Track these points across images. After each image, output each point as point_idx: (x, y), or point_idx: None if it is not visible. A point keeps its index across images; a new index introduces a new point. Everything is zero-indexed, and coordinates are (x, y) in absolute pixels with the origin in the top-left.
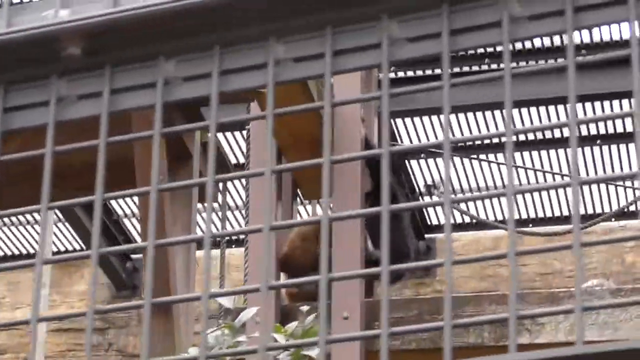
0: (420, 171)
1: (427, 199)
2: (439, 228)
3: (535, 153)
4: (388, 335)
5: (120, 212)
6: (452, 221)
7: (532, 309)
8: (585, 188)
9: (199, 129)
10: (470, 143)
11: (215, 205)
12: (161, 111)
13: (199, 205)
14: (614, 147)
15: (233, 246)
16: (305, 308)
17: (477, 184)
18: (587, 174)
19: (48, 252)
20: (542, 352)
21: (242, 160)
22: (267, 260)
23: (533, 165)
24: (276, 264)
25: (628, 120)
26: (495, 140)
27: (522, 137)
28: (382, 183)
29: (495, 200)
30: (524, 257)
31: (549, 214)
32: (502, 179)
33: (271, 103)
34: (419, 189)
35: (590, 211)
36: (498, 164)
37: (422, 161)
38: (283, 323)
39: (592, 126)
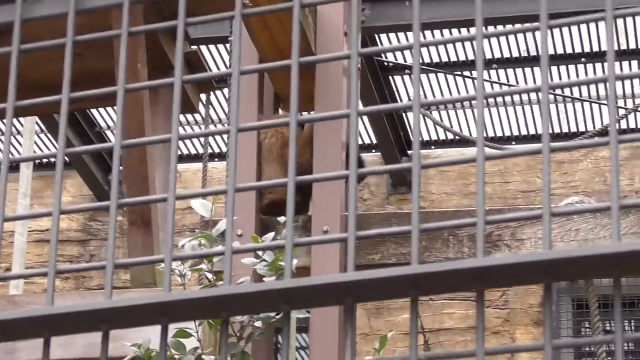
0: (405, 89)
1: (410, 115)
2: (424, 145)
3: (511, 72)
4: (355, 239)
5: (103, 124)
6: (428, 133)
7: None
8: (570, 109)
9: (167, 28)
10: (449, 60)
11: (199, 119)
12: (129, 9)
13: (183, 119)
14: (597, 65)
15: (216, 160)
16: (283, 219)
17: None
18: (571, 93)
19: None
20: (505, 256)
21: None
22: (233, 162)
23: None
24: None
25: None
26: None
27: (497, 54)
28: (350, 86)
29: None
30: (508, 175)
31: (532, 132)
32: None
33: (239, 5)
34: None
35: (573, 130)
36: (473, 78)
37: (407, 78)
38: (263, 235)
39: (577, 43)
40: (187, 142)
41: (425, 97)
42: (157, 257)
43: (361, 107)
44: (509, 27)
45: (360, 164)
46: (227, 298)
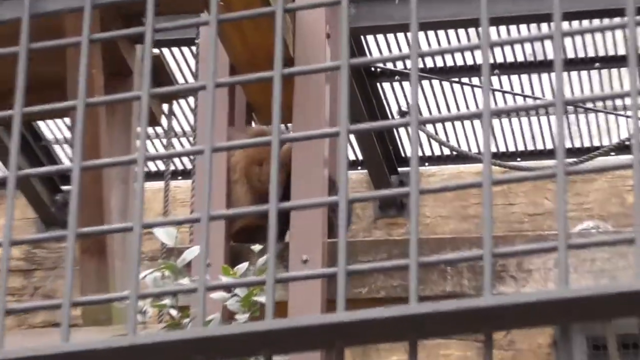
0: (394, 96)
1: (401, 129)
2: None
3: (515, 78)
4: (346, 274)
5: (49, 135)
6: (424, 150)
7: (514, 248)
8: (582, 120)
9: (133, 34)
10: (445, 65)
11: (160, 131)
12: (91, 14)
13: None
14: (613, 71)
15: (179, 178)
16: (257, 248)
17: (458, 111)
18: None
19: None
20: (513, 295)
21: (191, 80)
22: (208, 186)
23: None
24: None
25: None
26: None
27: (500, 59)
28: (341, 99)
29: (479, 130)
30: (512, 195)
31: (540, 147)
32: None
33: (214, 10)
34: (393, 116)
35: (587, 144)
36: (478, 87)
37: (396, 85)
38: (234, 266)
39: (590, 47)
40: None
41: (420, 111)
42: (120, 295)
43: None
44: (516, 34)
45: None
46: (200, 341)
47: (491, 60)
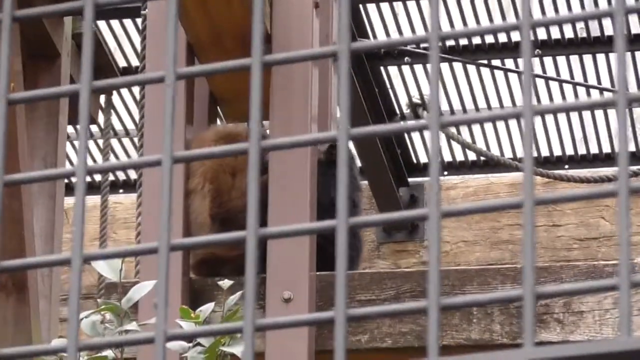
0: (404, 84)
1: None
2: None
3: (573, 59)
4: (345, 320)
5: None
6: (443, 156)
7: (564, 287)
8: None
9: (71, 10)
10: (470, 44)
11: (95, 130)
12: None
13: (71, 130)
14: None
15: (120, 191)
16: (226, 283)
17: (487, 102)
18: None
19: None
20: (561, 347)
21: (136, 64)
22: (167, 206)
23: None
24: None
25: None
26: (507, 39)
27: (544, 35)
28: (340, 96)
29: (514, 130)
30: (558, 215)
31: (594, 151)
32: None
33: None
34: (401, 109)
35: None
36: (513, 71)
37: (406, 68)
38: (194, 306)
39: None
40: (75, 161)
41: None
42: (54, 346)
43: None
44: (564, 6)
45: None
46: None
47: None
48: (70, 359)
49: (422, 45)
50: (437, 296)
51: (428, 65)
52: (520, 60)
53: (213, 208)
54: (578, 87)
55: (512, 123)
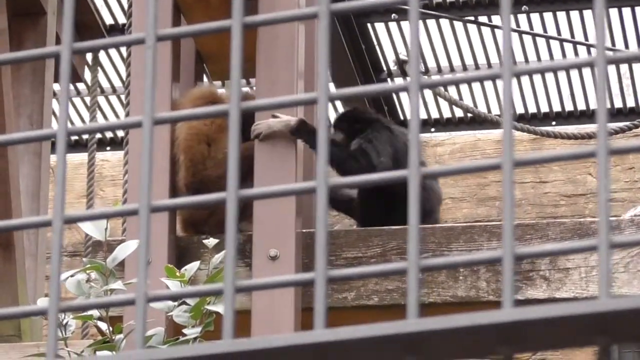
0: (391, 41)
1: (400, 81)
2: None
3: (560, 15)
4: (326, 280)
5: None
6: (430, 113)
7: (544, 247)
8: (638, 73)
9: None
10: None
11: (83, 88)
12: None
13: (58, 87)
14: None
15: (108, 149)
16: (211, 242)
17: (474, 59)
18: (627, 47)
19: None
20: (540, 309)
21: (123, 21)
22: (147, 168)
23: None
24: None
25: None
26: None
27: None
28: (319, 57)
29: (501, 87)
30: (545, 172)
31: (581, 108)
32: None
33: None
34: (388, 66)
35: (631, 104)
36: (500, 28)
37: (393, 25)
38: (179, 264)
39: None
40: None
41: (425, 65)
42: (35, 308)
43: (332, 86)
44: None
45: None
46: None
47: None
48: (52, 320)
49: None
50: (417, 257)
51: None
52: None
53: (187, 177)
54: (565, 44)
55: (499, 80)
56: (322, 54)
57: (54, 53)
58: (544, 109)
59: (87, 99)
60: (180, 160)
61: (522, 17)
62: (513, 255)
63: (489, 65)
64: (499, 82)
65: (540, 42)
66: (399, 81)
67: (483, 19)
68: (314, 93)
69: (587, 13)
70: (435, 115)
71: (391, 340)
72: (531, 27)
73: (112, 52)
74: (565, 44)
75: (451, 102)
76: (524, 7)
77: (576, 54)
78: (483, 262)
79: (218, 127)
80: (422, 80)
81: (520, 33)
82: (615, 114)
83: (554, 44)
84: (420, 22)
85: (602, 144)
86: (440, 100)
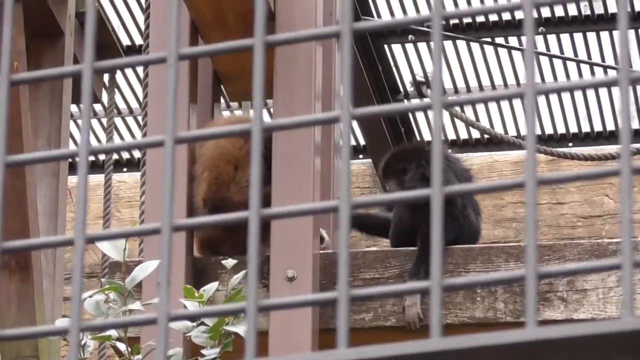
0: (408, 62)
1: (416, 102)
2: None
3: (576, 36)
4: (348, 299)
5: None
6: (447, 134)
7: (567, 267)
8: None
9: None
10: (474, 21)
11: (99, 109)
12: None
13: (75, 110)
14: None
15: (125, 170)
16: (230, 263)
17: (491, 80)
18: None
19: None
20: (565, 328)
21: (140, 42)
22: (169, 187)
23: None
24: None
25: None
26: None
27: (547, 13)
28: (342, 76)
29: (518, 108)
30: (562, 193)
31: (598, 129)
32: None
33: None
34: (405, 88)
35: None
36: (516, 49)
37: (410, 47)
38: (197, 284)
39: None
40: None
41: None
42: (58, 327)
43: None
44: None
45: None
46: None
47: (535, 15)
48: (73, 340)
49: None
50: (440, 276)
51: (431, 44)
52: (524, 38)
53: (208, 193)
54: (582, 65)
55: (516, 102)
56: (345, 72)
57: (75, 72)
58: (561, 130)
59: (104, 120)
60: (202, 175)
61: (539, 39)
62: (536, 273)
63: (506, 86)
64: (516, 103)
65: (557, 63)
66: (415, 102)
67: (500, 40)
68: (336, 111)
69: (604, 35)
70: (452, 136)
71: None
72: (548, 49)
73: (129, 73)
74: (582, 65)
75: (468, 123)
76: (541, 29)
77: (593, 75)
78: (506, 281)
79: (246, 153)
80: (445, 98)
81: (538, 54)
82: (634, 135)
83: (571, 66)
84: (433, 49)
85: (625, 162)
86: (457, 121)
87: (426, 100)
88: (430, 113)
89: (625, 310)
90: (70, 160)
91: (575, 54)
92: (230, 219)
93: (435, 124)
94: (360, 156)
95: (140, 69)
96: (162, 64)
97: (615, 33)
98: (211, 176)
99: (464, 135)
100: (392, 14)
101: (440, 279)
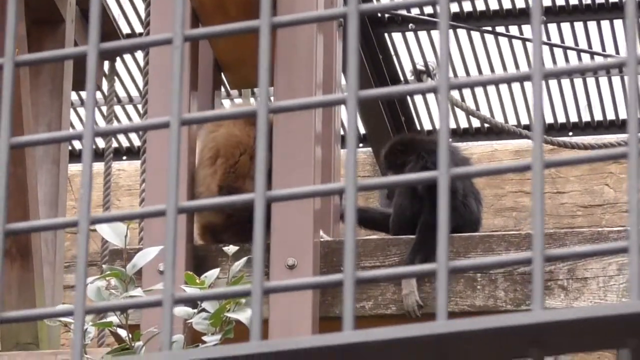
0: (408, 51)
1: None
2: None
3: (577, 25)
4: (354, 281)
5: None
6: (451, 122)
7: (574, 249)
8: None
9: None
10: (474, 10)
11: (99, 97)
12: None
13: (74, 97)
14: None
15: (124, 158)
16: (231, 249)
17: (491, 69)
18: None
19: None
20: (570, 310)
21: (139, 29)
22: (175, 168)
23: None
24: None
25: None
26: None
27: (548, 2)
28: (348, 58)
29: (518, 97)
30: (561, 181)
31: (598, 118)
32: (527, 61)
33: None
34: (405, 76)
35: None
36: (517, 38)
37: (410, 35)
38: (197, 272)
39: None
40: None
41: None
42: (61, 309)
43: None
44: None
45: None
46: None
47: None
48: (78, 322)
49: (426, 11)
50: (446, 258)
51: (435, 32)
52: (525, 27)
53: (225, 180)
54: (582, 54)
55: (517, 90)
56: (352, 55)
57: (80, 53)
58: (561, 119)
59: (104, 109)
60: (215, 161)
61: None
62: (543, 256)
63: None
64: (517, 93)
65: (558, 52)
66: (421, 84)
67: (500, 29)
68: (343, 94)
69: (605, 23)
70: (452, 125)
71: (418, 342)
72: (549, 38)
73: (129, 61)
74: (581, 54)
75: (468, 112)
76: (542, 17)
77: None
78: (513, 263)
79: (254, 141)
80: (452, 80)
81: (547, 45)
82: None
83: (572, 55)
84: (439, 31)
85: (633, 144)
86: (458, 110)
87: (432, 82)
88: (432, 102)
89: (632, 294)
90: (70, 147)
91: (576, 43)
92: (235, 200)
93: (441, 106)
94: (361, 145)
95: (140, 58)
96: (165, 49)
97: (616, 22)
98: (227, 164)
99: (464, 124)
100: None
101: (447, 262)
